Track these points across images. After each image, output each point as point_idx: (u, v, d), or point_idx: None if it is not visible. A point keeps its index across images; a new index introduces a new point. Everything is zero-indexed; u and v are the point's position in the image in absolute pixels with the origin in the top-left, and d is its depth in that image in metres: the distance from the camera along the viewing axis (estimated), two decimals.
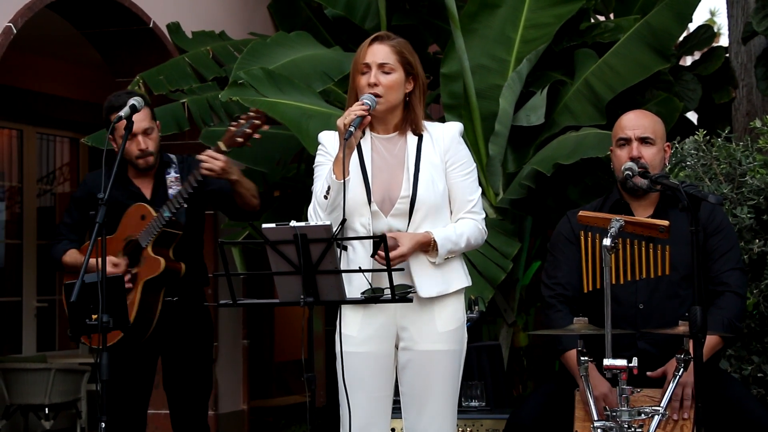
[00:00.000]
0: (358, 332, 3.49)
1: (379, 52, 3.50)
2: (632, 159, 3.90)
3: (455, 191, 3.55)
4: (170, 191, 4.47)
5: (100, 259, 3.57)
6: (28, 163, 8.74)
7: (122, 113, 3.91)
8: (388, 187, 3.50)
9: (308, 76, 6.10)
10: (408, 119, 3.56)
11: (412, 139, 3.56)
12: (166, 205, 4.36)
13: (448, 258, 3.49)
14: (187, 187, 4.34)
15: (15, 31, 5.95)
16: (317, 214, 3.44)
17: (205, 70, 6.52)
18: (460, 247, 3.50)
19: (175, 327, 4.50)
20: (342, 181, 3.37)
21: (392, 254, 3.32)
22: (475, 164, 3.63)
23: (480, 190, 3.62)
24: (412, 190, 3.48)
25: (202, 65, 6.53)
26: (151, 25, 6.74)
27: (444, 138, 3.56)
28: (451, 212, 3.56)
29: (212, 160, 4.28)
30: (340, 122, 3.39)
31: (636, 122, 3.97)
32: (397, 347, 3.54)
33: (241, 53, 6.36)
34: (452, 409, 3.54)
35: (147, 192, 4.52)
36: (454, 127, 3.61)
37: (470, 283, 3.62)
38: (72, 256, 4.56)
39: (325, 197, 3.40)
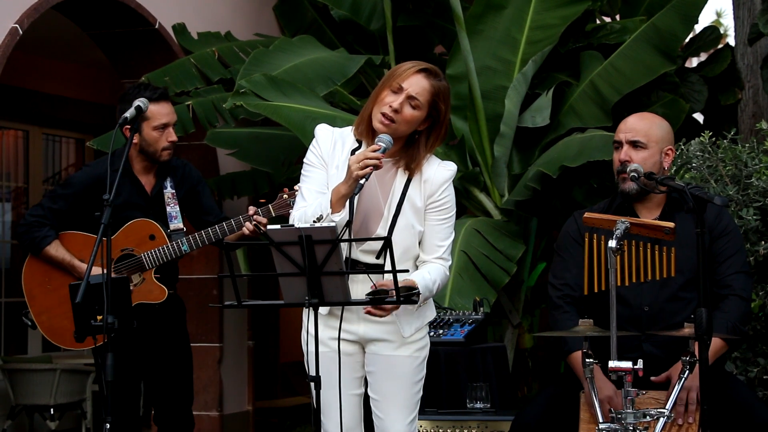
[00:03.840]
0: (322, 331, 3.44)
1: (417, 85, 3.40)
2: (621, 162, 3.91)
3: (429, 233, 3.49)
4: (168, 208, 4.51)
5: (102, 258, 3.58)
6: (34, 163, 8.75)
7: (127, 114, 3.92)
8: (366, 218, 3.45)
9: (311, 81, 6.10)
10: (406, 153, 3.47)
11: (402, 174, 3.47)
12: (186, 239, 4.44)
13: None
14: (216, 233, 4.40)
15: (21, 32, 5.96)
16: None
17: (210, 71, 6.53)
18: (433, 294, 3.50)
19: (154, 329, 4.58)
20: (335, 218, 3.32)
21: (388, 308, 3.32)
22: (455, 210, 3.54)
23: (453, 235, 3.55)
24: (387, 233, 3.43)
25: (208, 66, 6.54)
26: (156, 26, 6.74)
27: (434, 183, 3.47)
28: (420, 249, 3.50)
29: (256, 228, 4.23)
30: (354, 167, 3.29)
31: (630, 125, 3.97)
32: (364, 350, 3.55)
33: (246, 54, 6.37)
34: (416, 411, 3.56)
35: (148, 188, 4.56)
36: (447, 173, 3.50)
37: (435, 313, 3.66)
38: (57, 249, 4.54)
39: (315, 222, 3.34)
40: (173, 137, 4.51)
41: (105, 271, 3.54)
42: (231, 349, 7.36)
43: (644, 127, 3.95)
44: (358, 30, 7.25)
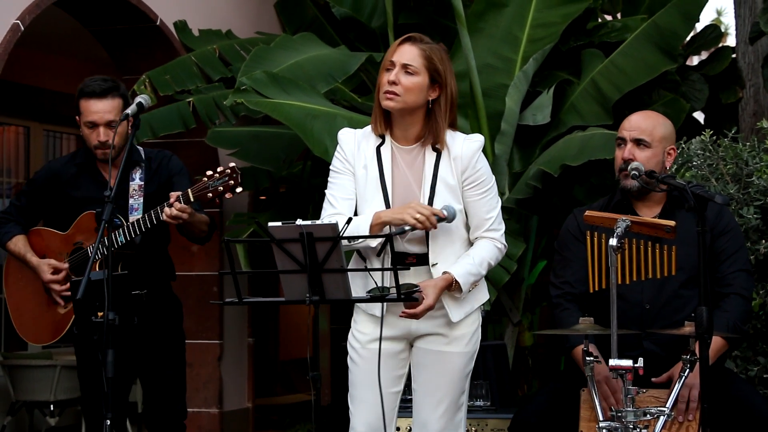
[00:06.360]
0: (372, 330, 3.49)
1: (406, 53, 3.44)
2: (624, 160, 3.91)
3: (473, 210, 3.50)
4: (131, 200, 4.31)
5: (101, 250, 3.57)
6: (35, 159, 8.75)
7: (129, 111, 3.92)
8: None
9: (312, 78, 6.10)
10: (429, 130, 3.47)
11: (430, 155, 3.47)
12: (122, 229, 4.19)
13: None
14: (146, 221, 4.16)
15: (23, 28, 5.96)
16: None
17: (211, 69, 6.52)
18: (482, 274, 3.50)
19: (144, 321, 4.33)
20: (371, 244, 3.38)
21: (419, 309, 3.34)
22: (494, 178, 3.55)
23: (499, 203, 3.55)
24: None
25: (209, 64, 6.53)
26: (158, 23, 6.74)
27: (463, 157, 3.47)
28: (469, 227, 3.52)
29: (178, 213, 4.01)
30: (409, 210, 3.34)
31: (634, 123, 3.97)
32: (411, 345, 3.56)
33: (247, 53, 6.36)
34: (463, 407, 3.57)
35: (112, 182, 4.17)
36: (474, 144, 3.50)
37: (488, 296, 3.67)
38: (16, 244, 4.43)
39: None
40: (102, 137, 4.21)
41: (106, 268, 3.54)
42: (231, 346, 7.36)
43: (649, 125, 3.95)
44: (359, 27, 7.25)
